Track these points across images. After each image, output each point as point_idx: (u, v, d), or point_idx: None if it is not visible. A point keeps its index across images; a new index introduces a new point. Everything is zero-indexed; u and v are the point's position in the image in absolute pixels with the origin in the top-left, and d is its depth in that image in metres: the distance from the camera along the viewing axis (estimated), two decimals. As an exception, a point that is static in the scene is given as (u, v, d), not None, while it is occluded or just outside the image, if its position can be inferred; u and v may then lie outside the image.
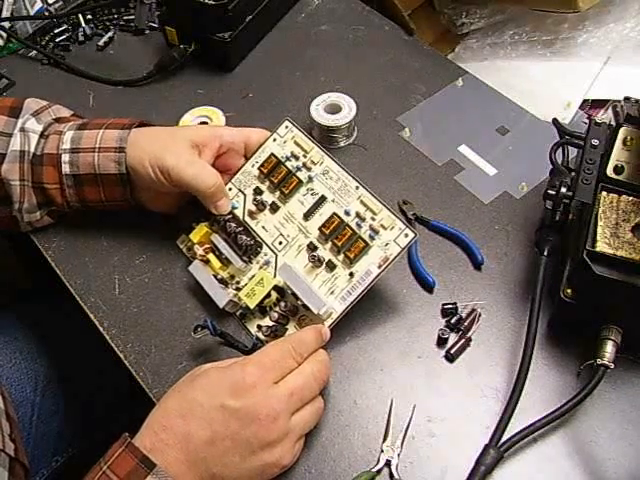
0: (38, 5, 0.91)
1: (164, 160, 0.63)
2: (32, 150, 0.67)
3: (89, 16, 0.93)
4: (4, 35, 0.89)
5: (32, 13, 0.90)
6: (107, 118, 0.69)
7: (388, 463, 0.55)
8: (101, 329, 0.65)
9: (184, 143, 0.65)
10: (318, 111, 0.76)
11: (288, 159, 0.66)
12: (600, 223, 0.56)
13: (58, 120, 0.70)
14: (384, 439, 0.57)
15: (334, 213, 0.62)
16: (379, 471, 0.55)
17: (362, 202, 0.62)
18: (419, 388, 0.60)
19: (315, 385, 0.54)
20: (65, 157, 0.66)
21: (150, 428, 0.51)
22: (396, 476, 0.55)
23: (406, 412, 0.58)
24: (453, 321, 0.62)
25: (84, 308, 0.66)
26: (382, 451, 0.56)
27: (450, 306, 0.63)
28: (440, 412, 0.58)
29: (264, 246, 0.65)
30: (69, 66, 0.87)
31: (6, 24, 0.88)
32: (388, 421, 0.57)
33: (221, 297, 0.63)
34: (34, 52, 0.90)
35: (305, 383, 0.53)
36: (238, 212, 0.67)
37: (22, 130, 0.67)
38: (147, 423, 0.52)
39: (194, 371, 0.55)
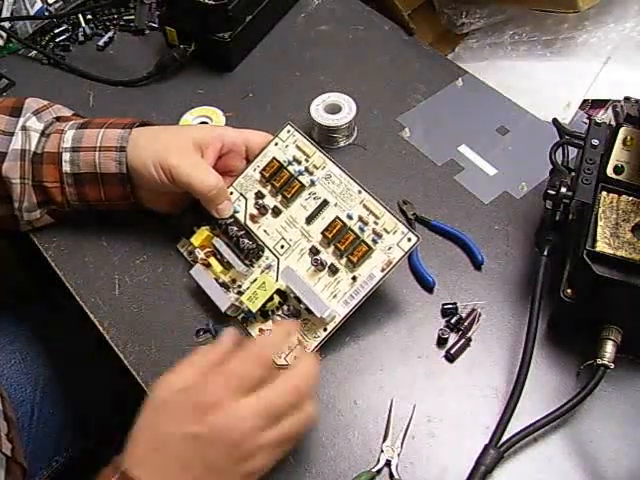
0: (38, 5, 0.91)
1: (167, 159, 0.63)
2: (33, 149, 0.67)
3: (89, 16, 0.93)
4: (4, 35, 0.89)
5: (32, 13, 0.90)
6: (108, 117, 0.69)
7: (388, 463, 0.55)
8: (101, 329, 0.64)
9: (187, 143, 0.65)
10: (318, 111, 0.75)
11: (290, 163, 0.66)
12: (600, 223, 0.56)
13: (59, 119, 0.70)
14: (384, 439, 0.57)
15: (337, 217, 0.62)
16: (379, 471, 0.55)
17: (365, 206, 0.62)
18: (419, 388, 0.60)
19: (292, 398, 0.50)
20: (66, 156, 0.66)
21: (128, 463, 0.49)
22: (396, 476, 0.55)
23: (406, 412, 0.58)
24: (453, 321, 0.62)
25: (84, 308, 0.66)
26: (382, 451, 0.56)
27: (450, 306, 0.63)
28: (440, 412, 0.58)
29: (266, 250, 0.65)
30: (69, 66, 0.87)
31: (6, 24, 0.88)
32: (388, 421, 0.57)
33: (223, 301, 0.63)
34: (34, 52, 0.90)
35: (278, 399, 0.49)
36: (239, 216, 0.67)
37: (23, 129, 0.67)
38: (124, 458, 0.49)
39: (157, 394, 0.51)
